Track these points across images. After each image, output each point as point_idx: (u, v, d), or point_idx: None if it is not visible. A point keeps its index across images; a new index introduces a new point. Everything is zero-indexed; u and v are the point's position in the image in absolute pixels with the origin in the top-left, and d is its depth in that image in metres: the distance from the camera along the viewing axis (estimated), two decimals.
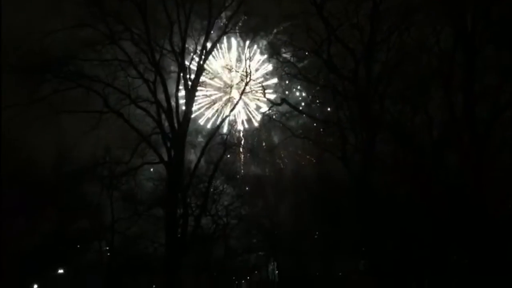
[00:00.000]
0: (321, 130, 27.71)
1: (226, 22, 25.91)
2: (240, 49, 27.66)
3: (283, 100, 28.01)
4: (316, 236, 34.21)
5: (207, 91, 29.61)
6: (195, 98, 27.20)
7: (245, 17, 26.16)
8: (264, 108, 28.28)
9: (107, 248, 32.11)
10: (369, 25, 24.95)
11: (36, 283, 30.26)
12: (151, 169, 29.31)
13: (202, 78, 26.82)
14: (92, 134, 25.37)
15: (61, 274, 31.88)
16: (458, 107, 22.68)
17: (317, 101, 27.31)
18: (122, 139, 26.63)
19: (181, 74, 25.62)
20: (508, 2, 20.87)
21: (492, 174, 21.88)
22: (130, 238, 31.33)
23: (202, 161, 27.62)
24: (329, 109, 27.48)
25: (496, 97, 22.04)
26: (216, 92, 29.92)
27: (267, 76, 29.50)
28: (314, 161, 29.87)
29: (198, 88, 26.82)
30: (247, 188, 34.16)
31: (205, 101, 29.61)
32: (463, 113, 22.29)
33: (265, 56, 27.12)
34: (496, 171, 22.48)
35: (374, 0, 24.37)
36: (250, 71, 27.70)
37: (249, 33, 26.58)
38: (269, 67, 28.32)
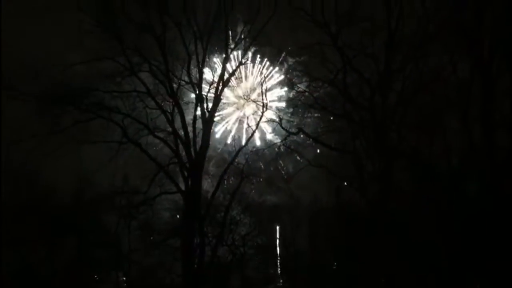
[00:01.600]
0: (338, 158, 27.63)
1: (243, 53, 26.33)
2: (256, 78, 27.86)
3: (300, 130, 28.11)
4: (334, 268, 33.66)
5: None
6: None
7: (262, 48, 26.53)
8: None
9: (124, 278, 32.02)
10: (384, 55, 25.17)
11: None
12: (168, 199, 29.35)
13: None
14: (111, 164, 25.81)
15: None
16: (477, 134, 22.56)
17: (333, 130, 27.32)
18: (140, 169, 26.93)
19: (199, 105, 25.95)
20: None
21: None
22: (147, 269, 31.21)
23: (219, 190, 27.70)
24: (345, 138, 27.43)
25: None
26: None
27: (283, 106, 29.66)
28: (331, 191, 29.66)
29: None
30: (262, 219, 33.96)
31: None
32: (482, 142, 22.14)
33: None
34: None
35: (389, 30, 24.60)
36: (267, 101, 27.94)
37: (265, 64, 26.91)
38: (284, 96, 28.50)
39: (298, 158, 28.48)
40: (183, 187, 25.58)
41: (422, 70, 24.97)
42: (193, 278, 24.41)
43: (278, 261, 34.95)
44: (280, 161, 29.36)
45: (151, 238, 30.44)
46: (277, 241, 34.73)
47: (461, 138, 23.82)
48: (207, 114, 25.96)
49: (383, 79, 24.71)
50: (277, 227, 34.64)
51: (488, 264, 20.25)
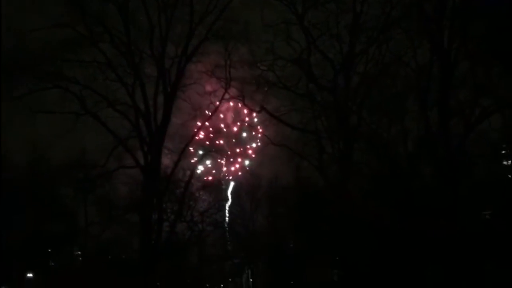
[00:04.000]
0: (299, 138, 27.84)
1: (208, 28, 25.82)
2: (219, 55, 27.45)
3: (262, 108, 28.08)
4: (291, 245, 34.23)
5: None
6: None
7: (226, 24, 26.07)
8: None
9: (79, 252, 31.56)
10: (348, 37, 25.33)
11: (5, 286, 29.50)
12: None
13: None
14: (68, 136, 25.10)
15: (30, 278, 31.14)
16: (434, 120, 23.14)
17: (296, 110, 27.42)
18: (98, 143, 26.32)
19: (160, 78, 25.46)
20: (483, 20, 21.39)
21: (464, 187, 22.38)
22: (104, 243, 30.84)
23: (179, 166, 27.50)
24: (307, 118, 27.62)
25: (470, 112, 22.53)
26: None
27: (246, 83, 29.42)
28: (291, 170, 29.94)
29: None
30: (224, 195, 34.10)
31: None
32: (438, 127, 22.75)
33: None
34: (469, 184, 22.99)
35: (354, 12, 24.72)
36: (230, 78, 27.64)
37: (230, 40, 26.49)
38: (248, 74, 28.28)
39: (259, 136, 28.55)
40: (142, 162, 25.19)
41: (385, 54, 25.30)
42: (151, 253, 24.28)
43: (236, 238, 35.25)
44: (242, 138, 29.40)
45: (109, 212, 30.02)
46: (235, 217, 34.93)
47: (419, 123, 24.37)
48: (169, 88, 25.51)
49: (347, 61, 24.89)
50: (236, 204, 34.83)
51: (441, 247, 21.00)
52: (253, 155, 29.82)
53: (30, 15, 22.45)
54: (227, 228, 34.52)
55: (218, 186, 33.08)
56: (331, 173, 26.15)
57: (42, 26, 22.40)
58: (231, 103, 28.94)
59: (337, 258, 27.42)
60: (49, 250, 31.21)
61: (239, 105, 28.88)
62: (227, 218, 33.44)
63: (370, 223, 23.09)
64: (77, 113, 24.13)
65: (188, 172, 28.48)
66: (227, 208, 33.23)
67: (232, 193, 33.72)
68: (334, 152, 26.46)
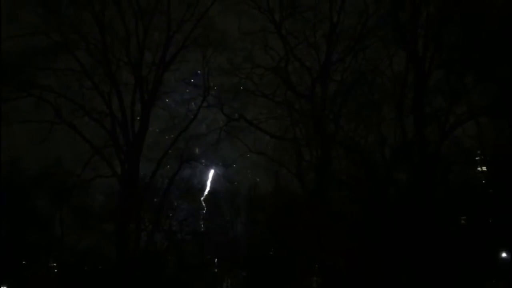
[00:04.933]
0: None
1: (186, 36, 25.78)
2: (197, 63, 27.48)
3: (240, 116, 28.09)
4: (271, 253, 34.18)
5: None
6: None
7: (204, 32, 26.09)
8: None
9: (55, 264, 30.95)
10: (325, 46, 25.60)
11: None
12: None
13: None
14: (42, 146, 24.69)
15: None
16: (410, 127, 23.48)
17: (274, 118, 27.55)
18: (74, 152, 25.96)
19: (138, 86, 25.27)
20: (457, 29, 21.87)
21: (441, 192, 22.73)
22: (80, 254, 30.31)
23: (157, 175, 27.26)
24: (285, 125, 27.75)
25: (444, 119, 22.93)
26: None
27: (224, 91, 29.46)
28: (270, 177, 29.99)
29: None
30: (203, 204, 33.88)
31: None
32: (414, 134, 23.07)
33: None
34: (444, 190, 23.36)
35: (331, 22, 25.00)
36: (209, 86, 27.65)
37: (208, 48, 26.53)
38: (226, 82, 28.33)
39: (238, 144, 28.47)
40: (119, 171, 24.91)
41: (361, 62, 25.64)
42: (128, 263, 23.94)
43: (215, 247, 34.99)
44: (221, 147, 29.27)
45: (85, 222, 29.54)
46: (214, 226, 34.70)
47: (396, 130, 24.69)
48: (146, 96, 25.33)
49: (324, 69, 25.13)
50: (215, 213, 34.59)
51: (417, 251, 21.23)
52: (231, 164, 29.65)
53: (3, 23, 21.96)
54: (206, 237, 34.24)
55: (197, 195, 32.83)
56: (310, 180, 26.24)
57: (16, 34, 21.97)
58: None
59: (316, 265, 27.49)
60: (24, 261, 30.57)
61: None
62: (202, 226, 33.22)
63: (347, 229, 23.25)
64: (52, 121, 23.74)
65: (166, 181, 28.23)
66: (201, 215, 33.00)
67: (210, 201, 33.49)
68: (312, 160, 26.57)
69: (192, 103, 28.54)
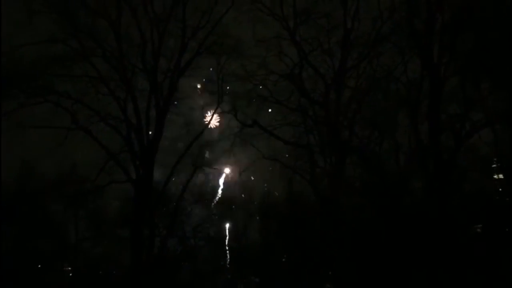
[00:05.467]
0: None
1: (200, 43, 25.95)
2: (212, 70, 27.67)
3: (254, 122, 28.14)
4: (284, 259, 34.08)
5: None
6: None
7: (219, 39, 26.23)
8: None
9: (69, 268, 31.17)
10: (340, 52, 25.56)
11: None
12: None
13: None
14: (58, 151, 24.95)
15: None
16: (425, 134, 23.33)
17: (288, 124, 27.57)
18: (90, 157, 26.20)
19: (153, 93, 25.47)
20: (472, 35, 21.73)
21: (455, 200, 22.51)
22: (94, 259, 30.51)
23: (171, 181, 27.38)
24: (299, 132, 27.74)
25: (460, 126, 22.74)
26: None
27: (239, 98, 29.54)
28: (284, 184, 29.95)
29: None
30: (215, 210, 33.94)
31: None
32: (429, 141, 22.91)
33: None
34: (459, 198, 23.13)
35: (345, 28, 25.00)
36: (223, 92, 27.78)
37: (223, 55, 26.66)
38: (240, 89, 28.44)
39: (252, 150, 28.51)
40: (134, 176, 25.07)
41: (376, 69, 25.57)
42: (142, 269, 24.03)
43: (228, 253, 34.99)
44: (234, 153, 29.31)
45: (100, 227, 29.75)
46: (227, 232, 34.74)
47: (410, 137, 24.56)
48: (161, 102, 25.51)
49: (338, 76, 25.10)
50: (228, 219, 34.62)
51: (430, 259, 21.01)
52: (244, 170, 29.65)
53: (21, 30, 22.31)
54: (219, 243, 34.24)
55: (210, 201, 32.93)
56: (323, 187, 26.16)
57: (32, 41, 22.29)
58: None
59: (329, 272, 27.35)
60: (39, 266, 30.83)
61: None
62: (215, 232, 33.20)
63: (361, 236, 23.12)
64: (68, 127, 23.99)
65: (181, 187, 28.34)
66: (214, 222, 32.99)
67: (223, 207, 33.54)
68: (326, 166, 26.50)
69: (206, 110, 28.77)
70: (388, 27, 24.14)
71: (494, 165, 24.26)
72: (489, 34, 20.32)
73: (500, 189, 24.68)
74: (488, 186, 24.87)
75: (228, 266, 35.83)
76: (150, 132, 25.45)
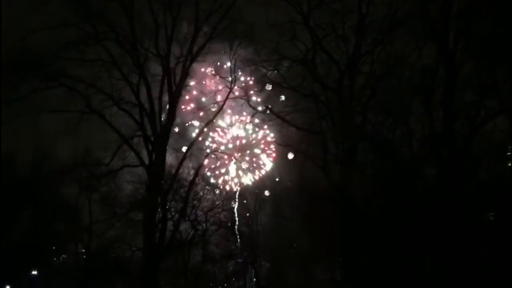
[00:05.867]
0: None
1: (213, 28, 25.82)
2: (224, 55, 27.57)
3: (267, 108, 28.07)
4: (295, 245, 34.25)
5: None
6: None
7: (232, 24, 26.08)
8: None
9: (83, 250, 31.68)
10: (354, 37, 25.27)
11: (9, 284, 29.67)
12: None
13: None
14: (72, 135, 25.19)
15: (34, 275, 31.28)
16: (439, 121, 23.08)
17: (300, 110, 27.42)
18: (103, 141, 26.41)
19: (165, 78, 25.49)
20: (488, 21, 21.33)
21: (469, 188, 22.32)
22: (108, 241, 30.95)
23: (184, 165, 27.52)
24: (311, 118, 27.58)
25: (475, 113, 22.45)
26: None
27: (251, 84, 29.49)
28: (295, 169, 29.90)
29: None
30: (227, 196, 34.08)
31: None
32: (443, 128, 22.68)
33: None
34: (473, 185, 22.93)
35: (359, 13, 24.67)
36: (235, 78, 27.68)
37: (235, 40, 26.52)
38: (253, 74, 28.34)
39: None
40: (146, 161, 25.24)
41: (390, 54, 25.21)
42: (154, 252, 24.33)
43: (238, 238, 35.24)
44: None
45: (113, 211, 30.11)
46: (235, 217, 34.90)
47: (424, 124, 24.30)
48: (174, 87, 25.54)
49: (352, 62, 24.85)
50: (235, 205, 34.76)
51: (443, 243, 20.92)
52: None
53: (33, 14, 22.30)
54: (230, 228, 34.50)
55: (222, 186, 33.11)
56: (335, 173, 26.07)
57: (45, 25, 22.32)
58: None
59: (341, 258, 27.41)
60: (54, 248, 31.38)
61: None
62: (236, 219, 33.32)
63: (373, 223, 23.08)
64: (81, 111, 24.16)
65: (192, 171, 28.51)
66: (235, 209, 33.13)
67: (235, 193, 33.74)
68: (338, 153, 26.38)
69: (218, 95, 28.73)
70: (403, 12, 23.74)
71: (509, 153, 23.93)
72: (505, 20, 19.89)
73: None
74: (503, 174, 24.58)
75: (239, 250, 36.15)
76: (162, 117, 25.51)
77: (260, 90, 27.88)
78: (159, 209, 25.56)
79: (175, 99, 25.54)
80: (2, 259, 25.12)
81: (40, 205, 29.82)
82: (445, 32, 22.21)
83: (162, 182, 25.45)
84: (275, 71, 27.07)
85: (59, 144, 28.17)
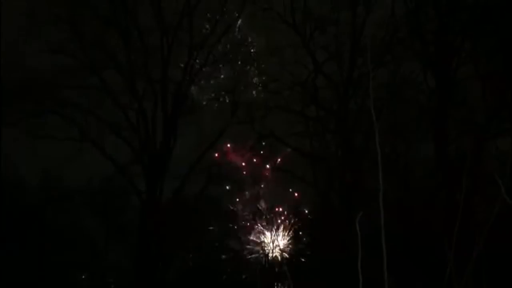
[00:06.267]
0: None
1: (211, 51, 25.50)
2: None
3: (271, 133, 27.34)
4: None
5: None
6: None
7: (232, 47, 25.70)
8: None
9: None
10: (354, 59, 24.46)
11: None
12: None
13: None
14: (76, 161, 25.04)
15: None
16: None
17: (303, 134, 26.70)
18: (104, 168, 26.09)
19: (163, 103, 25.19)
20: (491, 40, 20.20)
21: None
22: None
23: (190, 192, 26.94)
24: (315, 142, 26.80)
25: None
26: None
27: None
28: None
29: None
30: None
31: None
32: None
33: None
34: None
35: (353, 36, 23.98)
36: (237, 101, 27.07)
37: (236, 63, 26.06)
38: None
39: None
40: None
41: (395, 76, 24.32)
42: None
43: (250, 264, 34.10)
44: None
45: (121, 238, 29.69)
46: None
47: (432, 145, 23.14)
48: (171, 113, 25.16)
49: (348, 84, 24.09)
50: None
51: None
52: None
53: (31, 41, 22.45)
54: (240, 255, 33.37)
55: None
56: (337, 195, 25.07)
57: (41, 51, 22.40)
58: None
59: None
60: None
61: None
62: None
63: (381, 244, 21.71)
64: (74, 139, 24.11)
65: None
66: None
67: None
68: (346, 176, 25.33)
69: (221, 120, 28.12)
70: (403, 32, 22.90)
71: None
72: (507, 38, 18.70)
73: None
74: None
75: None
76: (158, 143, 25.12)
77: (263, 114, 27.10)
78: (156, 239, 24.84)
79: (172, 125, 25.09)
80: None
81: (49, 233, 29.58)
82: (441, 59, 21.27)
83: (158, 209, 24.79)
84: (278, 94, 26.55)
85: (65, 169, 28.08)
